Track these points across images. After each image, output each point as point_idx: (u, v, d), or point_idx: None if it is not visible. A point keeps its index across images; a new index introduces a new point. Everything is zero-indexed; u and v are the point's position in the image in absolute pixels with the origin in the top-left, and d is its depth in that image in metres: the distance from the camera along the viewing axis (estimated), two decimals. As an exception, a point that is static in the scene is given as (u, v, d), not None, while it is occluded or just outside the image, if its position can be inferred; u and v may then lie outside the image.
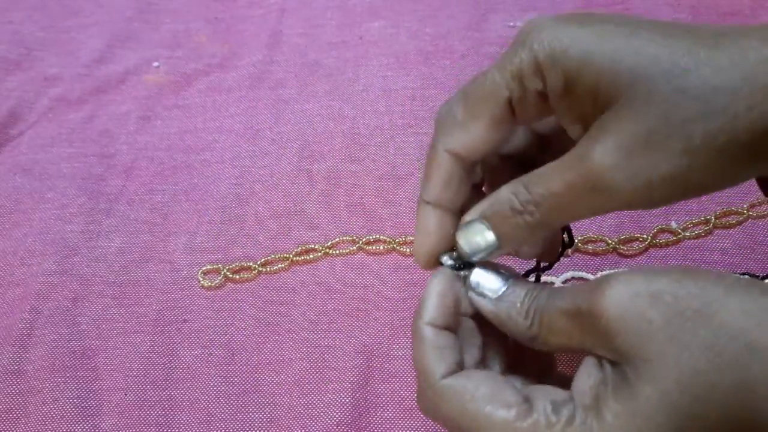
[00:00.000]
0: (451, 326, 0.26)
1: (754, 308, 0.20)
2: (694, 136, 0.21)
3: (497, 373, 0.26)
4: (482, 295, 0.26)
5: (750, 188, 0.42)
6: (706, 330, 0.21)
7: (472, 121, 0.26)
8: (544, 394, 0.24)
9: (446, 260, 0.28)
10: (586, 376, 0.23)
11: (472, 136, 0.26)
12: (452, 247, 0.28)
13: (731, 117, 0.21)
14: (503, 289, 0.26)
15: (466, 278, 0.27)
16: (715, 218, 0.41)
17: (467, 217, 0.27)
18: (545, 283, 0.27)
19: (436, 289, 0.27)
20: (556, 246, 0.31)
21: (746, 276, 0.22)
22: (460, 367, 0.26)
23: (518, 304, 0.25)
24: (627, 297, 0.22)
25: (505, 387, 0.24)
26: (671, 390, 0.21)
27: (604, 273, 0.39)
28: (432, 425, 0.36)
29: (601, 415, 0.22)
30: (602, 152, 0.22)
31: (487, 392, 0.24)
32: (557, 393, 0.24)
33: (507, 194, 0.25)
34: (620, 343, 0.22)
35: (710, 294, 0.21)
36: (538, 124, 0.29)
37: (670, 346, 0.21)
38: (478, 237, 0.26)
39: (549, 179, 0.24)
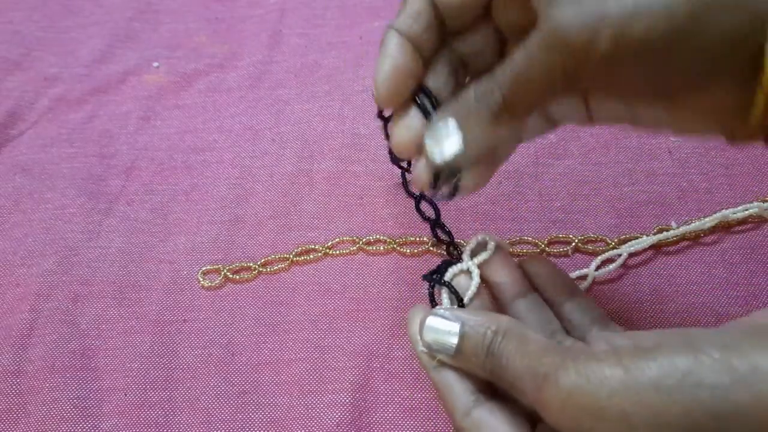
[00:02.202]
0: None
1: (701, 409, 0.20)
2: None
3: (508, 409, 0.27)
4: (440, 351, 0.27)
5: (750, 188, 0.42)
6: None
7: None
8: None
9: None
10: None
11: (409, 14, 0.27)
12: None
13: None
14: (455, 341, 0.26)
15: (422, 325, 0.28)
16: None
17: (435, 118, 0.27)
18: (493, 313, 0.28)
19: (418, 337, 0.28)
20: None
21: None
22: (475, 393, 0.27)
23: (475, 359, 0.26)
24: (571, 415, 0.22)
25: (516, 429, 0.25)
26: None
27: (606, 264, 0.40)
28: (432, 426, 0.36)
29: None
30: (556, 9, 0.22)
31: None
32: None
33: (472, 86, 0.26)
34: None
35: (653, 401, 0.20)
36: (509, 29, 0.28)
37: None
38: (444, 136, 0.26)
39: (508, 57, 0.24)
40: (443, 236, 0.41)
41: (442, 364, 0.28)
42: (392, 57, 0.27)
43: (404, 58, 0.27)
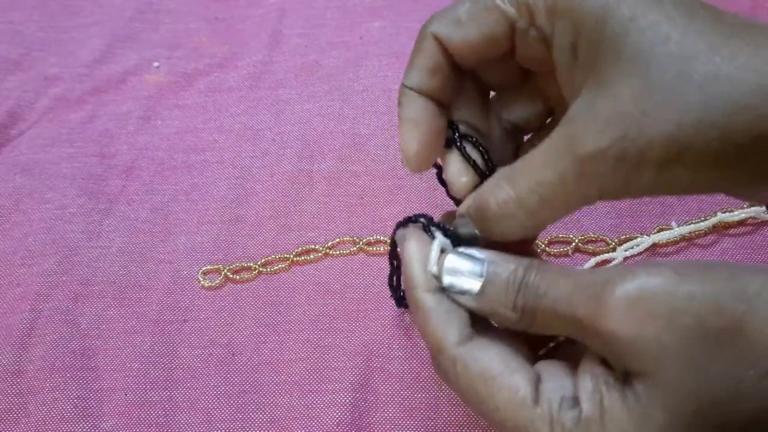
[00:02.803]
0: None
1: None
2: (687, 122, 0.19)
3: (507, 343, 0.24)
4: (461, 292, 0.24)
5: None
6: (727, 355, 0.19)
7: (470, 22, 0.24)
8: (553, 385, 0.22)
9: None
10: (591, 375, 0.22)
11: (465, 33, 0.24)
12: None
13: (730, 111, 0.19)
14: (481, 275, 0.24)
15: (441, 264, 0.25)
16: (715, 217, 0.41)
17: (461, 208, 0.26)
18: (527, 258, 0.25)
19: (416, 254, 0.25)
20: None
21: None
22: (469, 326, 0.24)
23: (503, 298, 0.23)
24: (638, 318, 0.19)
25: (516, 367, 0.23)
26: (688, 419, 0.19)
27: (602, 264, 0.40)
28: (432, 426, 0.36)
29: (607, 429, 0.20)
30: (582, 130, 0.21)
31: (498, 370, 0.23)
32: (565, 385, 0.22)
33: (488, 189, 0.24)
34: (631, 364, 0.20)
35: (734, 311, 0.19)
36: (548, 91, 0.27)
37: (689, 374, 0.19)
38: (465, 231, 0.25)
39: (535, 170, 0.22)
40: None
41: (437, 290, 0.24)
42: (416, 122, 0.25)
43: (428, 120, 0.25)
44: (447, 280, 0.24)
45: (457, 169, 0.27)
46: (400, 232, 0.27)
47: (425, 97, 0.26)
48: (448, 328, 0.24)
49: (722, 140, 0.19)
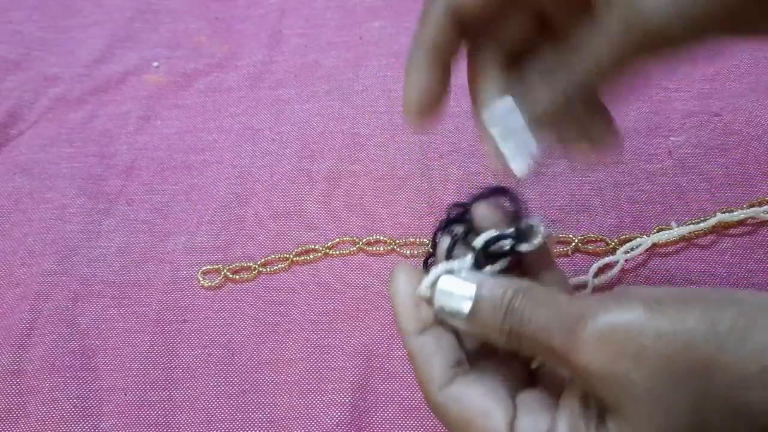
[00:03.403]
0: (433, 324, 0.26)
1: (746, 365, 0.19)
2: None
3: (487, 381, 0.25)
4: (451, 315, 0.25)
5: (749, 188, 0.42)
6: (695, 394, 0.19)
7: None
8: (529, 422, 0.23)
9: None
10: (570, 410, 0.22)
11: None
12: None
13: None
14: (472, 298, 0.24)
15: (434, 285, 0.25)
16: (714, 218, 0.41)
17: (491, 96, 0.25)
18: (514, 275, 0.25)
19: (403, 299, 0.26)
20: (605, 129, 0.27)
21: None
22: (452, 366, 0.25)
23: (491, 321, 0.24)
24: (607, 356, 0.20)
25: (494, 406, 0.24)
26: None
27: (605, 268, 0.40)
28: (432, 426, 0.36)
29: None
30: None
31: (475, 413, 0.24)
32: (541, 421, 0.23)
33: (542, 78, 0.24)
34: (604, 399, 0.21)
35: (702, 350, 0.19)
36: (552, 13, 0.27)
37: (657, 411, 0.20)
38: (503, 112, 0.25)
39: (588, 52, 0.23)
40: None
41: (421, 330, 0.25)
42: (420, 78, 0.26)
43: (434, 77, 0.26)
44: (438, 302, 0.25)
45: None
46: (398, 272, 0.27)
47: (433, 55, 0.26)
48: (431, 372, 0.25)
49: None
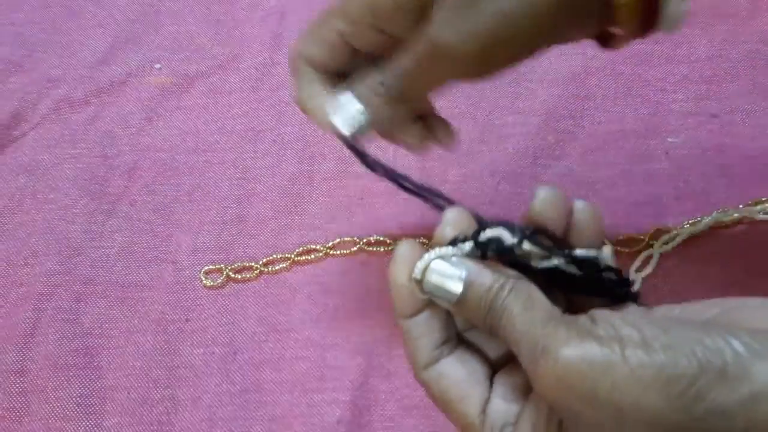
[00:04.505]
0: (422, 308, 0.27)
1: (695, 426, 0.19)
2: None
3: (468, 363, 0.26)
4: (442, 298, 0.26)
5: (746, 189, 0.43)
6: None
7: (315, 44, 0.32)
8: (500, 408, 0.25)
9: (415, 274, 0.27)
10: (535, 408, 0.24)
11: (319, 51, 0.32)
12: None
13: None
14: (459, 290, 0.25)
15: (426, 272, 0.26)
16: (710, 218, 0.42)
17: (337, 92, 0.30)
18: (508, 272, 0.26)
19: (399, 282, 0.27)
20: (436, 132, 0.34)
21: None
22: (438, 347, 0.26)
23: (475, 311, 0.25)
24: (562, 393, 0.21)
25: (469, 390, 0.25)
26: None
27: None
28: (432, 424, 0.36)
29: None
30: (434, 27, 0.26)
31: (452, 395, 0.26)
32: (511, 410, 0.25)
33: (368, 76, 0.30)
34: (560, 418, 0.22)
35: (652, 407, 0.20)
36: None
37: None
38: (349, 107, 0.30)
39: (400, 59, 0.28)
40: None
41: (413, 312, 0.26)
42: (308, 84, 0.32)
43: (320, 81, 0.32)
44: (429, 284, 0.26)
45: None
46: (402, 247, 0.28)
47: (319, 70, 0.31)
48: (418, 352, 0.26)
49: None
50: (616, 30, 0.27)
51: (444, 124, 0.34)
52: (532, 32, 0.26)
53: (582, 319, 0.22)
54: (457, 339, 0.27)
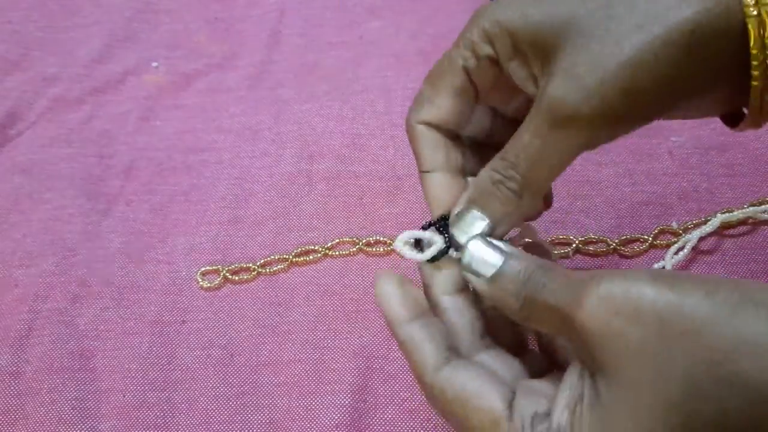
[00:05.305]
0: (425, 312, 0.27)
1: (739, 332, 0.19)
2: (629, 46, 0.23)
3: (483, 366, 0.26)
4: (476, 274, 0.26)
5: (751, 188, 0.42)
6: (686, 357, 0.20)
7: (435, 95, 0.28)
8: (527, 401, 0.23)
9: (405, 249, 0.28)
10: (568, 388, 0.23)
11: (438, 107, 0.28)
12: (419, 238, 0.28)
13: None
14: (499, 265, 0.25)
15: (459, 251, 0.27)
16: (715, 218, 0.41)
17: (455, 209, 0.27)
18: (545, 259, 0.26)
19: (390, 293, 0.27)
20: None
21: (744, 282, 0.21)
22: (446, 351, 0.26)
23: (511, 286, 0.25)
24: (606, 313, 0.21)
25: (490, 387, 0.24)
26: (644, 418, 0.20)
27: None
28: (432, 427, 0.36)
29: None
30: (554, 86, 0.24)
31: (472, 392, 0.24)
32: (540, 401, 0.23)
33: (485, 171, 0.27)
34: (598, 357, 0.21)
35: (696, 315, 0.20)
36: (504, 108, 0.30)
37: (648, 372, 0.20)
38: (470, 224, 0.27)
39: (517, 138, 0.26)
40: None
41: (412, 318, 0.26)
42: (441, 199, 0.29)
43: (452, 192, 0.28)
44: (467, 258, 0.26)
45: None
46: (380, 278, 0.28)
47: (442, 173, 0.29)
48: (425, 356, 0.25)
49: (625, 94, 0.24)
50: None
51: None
52: (658, 86, 0.24)
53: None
54: (459, 354, 0.27)
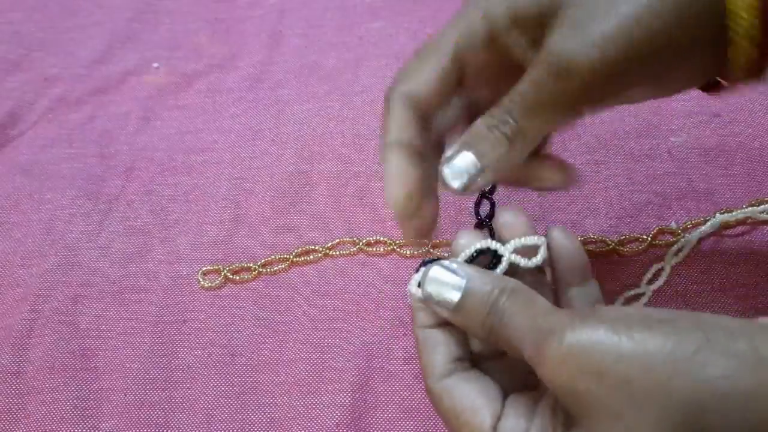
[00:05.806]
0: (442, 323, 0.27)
1: (703, 385, 0.19)
2: (628, 4, 0.24)
3: (482, 381, 0.27)
4: (439, 304, 0.26)
5: (749, 189, 0.42)
6: (654, 416, 0.20)
7: (420, 69, 0.28)
8: (511, 424, 0.24)
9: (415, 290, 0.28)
10: (541, 417, 0.24)
11: (418, 82, 0.28)
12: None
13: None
14: (458, 296, 0.26)
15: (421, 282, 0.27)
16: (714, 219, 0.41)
17: (448, 151, 0.27)
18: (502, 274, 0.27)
19: (417, 294, 0.27)
20: (542, 172, 0.31)
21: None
22: (452, 362, 0.27)
23: (475, 315, 0.25)
24: (569, 370, 0.21)
25: (482, 405, 0.25)
26: None
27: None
28: (432, 426, 0.36)
29: None
30: (555, 40, 0.24)
31: (465, 407, 0.25)
32: (521, 424, 0.24)
33: (482, 117, 0.27)
34: (567, 406, 0.22)
35: (660, 370, 0.20)
36: (482, 101, 0.29)
37: (616, 426, 0.20)
38: (460, 163, 0.27)
39: (515, 87, 0.26)
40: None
41: (432, 324, 0.27)
42: (397, 175, 0.28)
43: (410, 171, 0.28)
44: (427, 290, 0.26)
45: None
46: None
47: (404, 149, 0.28)
48: (433, 361, 0.27)
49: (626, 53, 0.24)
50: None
51: (560, 163, 0.31)
52: (654, 43, 0.24)
53: (584, 308, 0.23)
54: (470, 362, 0.28)
